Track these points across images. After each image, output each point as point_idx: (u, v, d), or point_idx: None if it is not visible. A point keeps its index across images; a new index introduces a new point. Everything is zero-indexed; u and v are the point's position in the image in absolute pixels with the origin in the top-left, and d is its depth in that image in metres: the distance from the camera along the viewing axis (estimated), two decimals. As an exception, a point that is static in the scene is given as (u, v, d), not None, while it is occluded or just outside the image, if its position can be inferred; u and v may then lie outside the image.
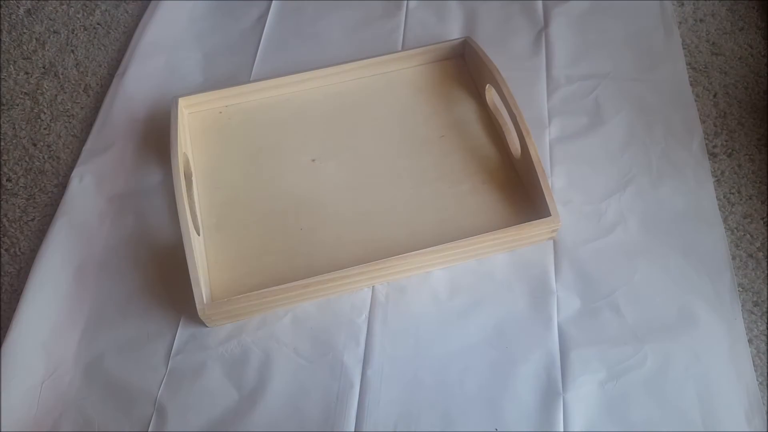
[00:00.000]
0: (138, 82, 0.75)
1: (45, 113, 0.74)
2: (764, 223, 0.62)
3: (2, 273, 0.62)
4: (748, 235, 0.61)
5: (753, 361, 0.54)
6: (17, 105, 0.75)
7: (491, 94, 0.68)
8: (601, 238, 0.60)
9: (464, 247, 0.57)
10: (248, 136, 0.69)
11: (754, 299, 0.58)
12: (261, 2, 0.83)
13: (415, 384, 0.53)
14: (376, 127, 0.68)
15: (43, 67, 0.79)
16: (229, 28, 0.81)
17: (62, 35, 0.82)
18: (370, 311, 0.57)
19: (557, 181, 0.64)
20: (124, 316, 0.58)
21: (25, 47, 0.81)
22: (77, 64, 0.79)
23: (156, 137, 0.69)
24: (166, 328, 0.57)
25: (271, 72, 0.74)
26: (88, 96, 0.76)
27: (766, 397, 0.52)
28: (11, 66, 0.79)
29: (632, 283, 0.58)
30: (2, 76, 0.78)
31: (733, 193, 0.64)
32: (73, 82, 0.77)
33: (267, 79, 0.70)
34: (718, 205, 0.63)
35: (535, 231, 0.58)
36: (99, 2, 0.86)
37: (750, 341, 0.55)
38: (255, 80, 0.73)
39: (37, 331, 0.57)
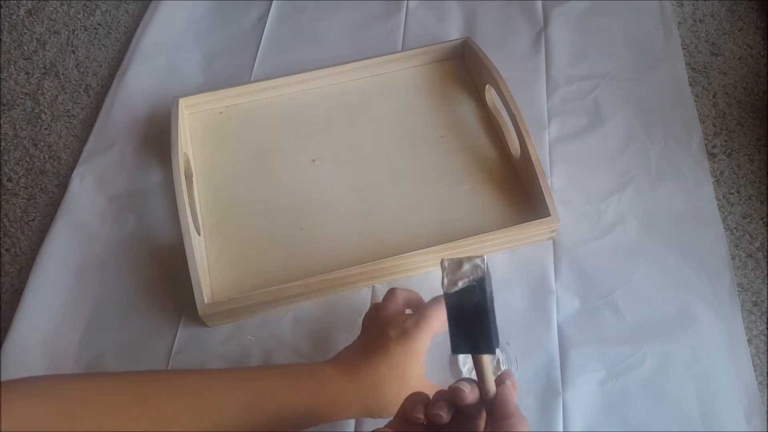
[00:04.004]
0: (138, 83, 0.75)
1: (46, 113, 0.74)
2: (763, 223, 0.62)
3: (3, 273, 0.62)
4: (748, 235, 0.62)
5: (752, 361, 0.54)
6: (18, 105, 0.75)
7: (491, 95, 0.69)
8: (600, 238, 0.61)
9: (464, 247, 0.57)
10: (248, 136, 0.69)
11: (754, 299, 0.58)
12: (261, 2, 0.83)
13: (415, 384, 0.53)
14: (376, 127, 0.69)
15: (44, 68, 0.79)
16: (230, 29, 0.81)
17: (63, 35, 0.82)
18: (370, 311, 0.57)
19: (557, 181, 0.64)
20: (124, 316, 0.58)
21: (25, 47, 0.81)
22: (78, 64, 0.79)
23: (156, 137, 0.69)
24: (167, 328, 0.57)
25: (272, 72, 0.74)
26: (89, 96, 0.76)
27: (765, 397, 0.52)
28: (12, 66, 0.79)
29: (632, 282, 0.58)
30: (3, 77, 0.78)
31: (732, 193, 0.64)
32: (73, 82, 0.77)
33: (267, 79, 0.71)
34: (718, 205, 0.63)
35: (534, 231, 0.58)
36: (99, 3, 0.86)
37: (749, 341, 0.55)
38: (255, 80, 0.73)
39: (38, 331, 0.57)
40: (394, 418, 0.39)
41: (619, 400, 0.52)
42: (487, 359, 0.37)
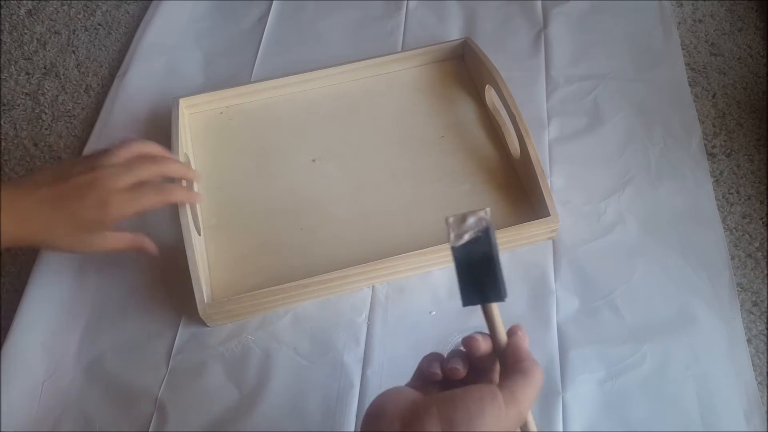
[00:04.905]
0: (139, 83, 0.75)
1: (46, 114, 0.74)
2: (763, 223, 0.62)
3: (3, 273, 0.62)
4: (747, 235, 0.62)
5: (752, 361, 0.54)
6: (18, 105, 0.75)
7: (491, 95, 0.69)
8: (600, 238, 0.61)
9: (464, 247, 0.57)
10: (249, 136, 0.69)
11: (753, 299, 0.58)
12: (261, 2, 0.83)
13: (414, 383, 0.53)
14: (376, 127, 0.69)
15: (44, 68, 0.79)
16: (230, 29, 0.81)
17: (63, 36, 0.82)
18: (370, 311, 0.57)
19: (556, 181, 0.65)
20: (124, 316, 0.58)
21: (26, 48, 0.81)
22: (78, 64, 0.79)
23: (157, 137, 0.69)
24: (167, 328, 0.57)
25: (272, 72, 0.74)
26: (89, 96, 0.76)
27: (765, 397, 0.52)
28: (12, 66, 0.79)
29: (631, 282, 0.58)
30: (3, 77, 0.78)
31: (731, 193, 0.64)
32: (74, 82, 0.77)
33: (267, 79, 0.71)
34: (717, 205, 0.63)
35: (534, 231, 0.58)
36: (100, 3, 0.86)
37: (749, 341, 0.55)
38: (255, 81, 0.73)
39: (38, 331, 0.57)
40: (411, 379, 0.40)
41: (618, 399, 0.52)
42: (497, 309, 0.38)
